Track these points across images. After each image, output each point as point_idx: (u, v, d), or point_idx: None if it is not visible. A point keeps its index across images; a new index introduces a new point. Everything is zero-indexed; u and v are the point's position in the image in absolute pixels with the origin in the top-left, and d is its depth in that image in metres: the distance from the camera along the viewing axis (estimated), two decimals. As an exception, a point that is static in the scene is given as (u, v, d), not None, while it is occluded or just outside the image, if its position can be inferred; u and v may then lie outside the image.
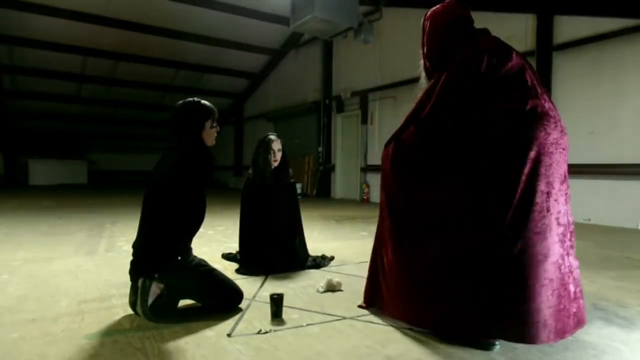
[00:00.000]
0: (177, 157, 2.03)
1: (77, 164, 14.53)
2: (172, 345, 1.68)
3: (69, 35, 9.65)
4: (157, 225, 2.00)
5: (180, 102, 2.13)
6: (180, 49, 10.72)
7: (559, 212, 1.67)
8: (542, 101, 1.78)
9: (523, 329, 1.58)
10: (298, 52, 11.51)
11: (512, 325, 1.59)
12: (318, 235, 4.50)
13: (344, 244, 4.04)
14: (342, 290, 2.43)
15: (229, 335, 1.77)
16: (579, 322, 1.72)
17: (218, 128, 2.16)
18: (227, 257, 3.29)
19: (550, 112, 1.78)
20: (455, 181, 1.73)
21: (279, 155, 3.04)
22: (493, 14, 6.84)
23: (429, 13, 2.09)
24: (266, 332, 1.79)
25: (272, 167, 3.02)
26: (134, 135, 15.59)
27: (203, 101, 2.13)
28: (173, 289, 1.98)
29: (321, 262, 3.09)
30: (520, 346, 1.67)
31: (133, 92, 12.90)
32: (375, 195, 9.16)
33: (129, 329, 1.84)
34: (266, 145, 3.01)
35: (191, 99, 2.14)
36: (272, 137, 3.06)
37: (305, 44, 11.10)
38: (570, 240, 1.74)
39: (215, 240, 4.10)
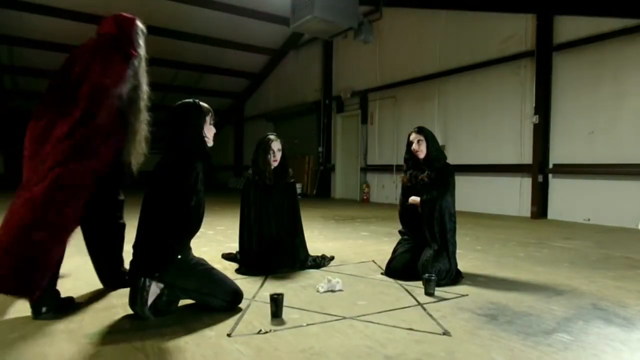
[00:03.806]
0: (176, 156, 2.04)
1: (77, 164, 14.50)
2: (172, 345, 1.68)
3: (69, 35, 9.63)
4: (157, 224, 2.01)
5: (179, 102, 2.16)
6: (180, 49, 10.71)
7: None
8: None
9: None
10: (298, 52, 11.51)
11: None
12: (318, 235, 4.51)
13: (344, 244, 4.04)
14: (342, 290, 2.43)
15: (229, 335, 1.77)
16: None
17: (214, 130, 2.19)
18: (227, 257, 3.29)
19: None
20: None
21: (278, 155, 3.04)
22: (493, 14, 6.85)
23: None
24: (266, 332, 1.79)
25: (272, 167, 3.02)
26: (134, 135, 15.59)
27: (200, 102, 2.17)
28: (173, 288, 1.99)
29: (321, 262, 3.09)
30: (520, 346, 1.68)
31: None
32: (376, 195, 9.17)
33: (129, 329, 1.84)
34: (266, 145, 3.02)
35: (188, 99, 2.17)
36: (272, 137, 3.06)
37: (305, 44, 11.10)
38: None
39: (215, 240, 4.10)
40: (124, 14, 2.34)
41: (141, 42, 2.29)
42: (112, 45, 2.18)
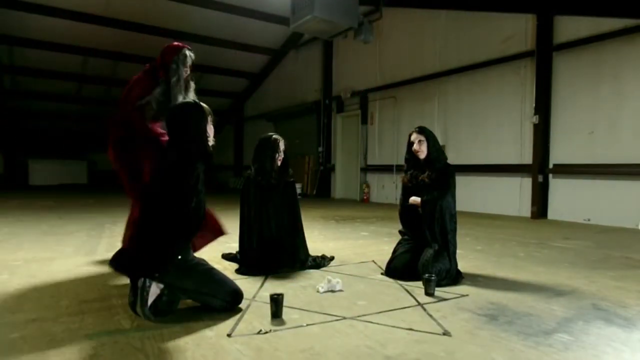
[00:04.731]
0: (177, 156, 2.04)
1: (77, 164, 14.51)
2: (172, 345, 1.68)
3: (69, 35, 9.65)
4: (157, 224, 2.00)
5: (179, 102, 2.17)
6: (180, 49, 10.71)
7: None
8: None
9: None
10: (298, 52, 11.51)
11: None
12: (318, 235, 4.50)
13: (344, 244, 4.04)
14: (342, 290, 2.43)
15: (229, 335, 1.77)
16: None
17: (213, 130, 2.21)
18: (227, 257, 3.29)
19: None
20: None
21: (282, 155, 3.07)
22: (493, 14, 6.85)
23: None
24: (266, 332, 1.79)
25: (277, 166, 3.05)
26: (134, 135, 15.59)
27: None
28: (173, 288, 1.98)
29: (321, 262, 3.09)
30: (520, 346, 1.67)
31: (133, 92, 12.89)
32: (376, 195, 9.17)
33: (129, 329, 1.84)
34: (274, 144, 3.04)
35: (189, 99, 2.18)
36: (278, 136, 3.09)
37: (305, 44, 11.10)
38: None
39: (216, 240, 4.08)
40: (173, 44, 2.87)
41: (177, 66, 2.79)
42: (151, 71, 2.84)
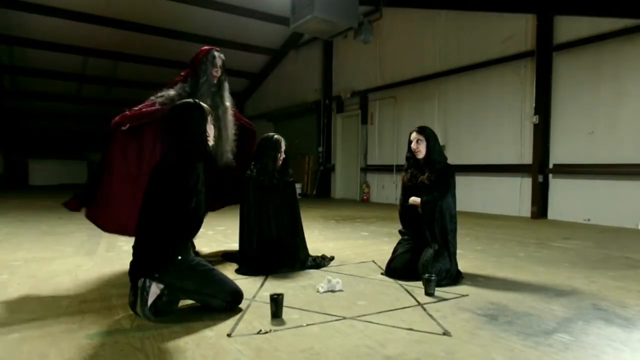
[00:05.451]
0: (177, 156, 2.04)
1: (77, 164, 14.52)
2: (172, 345, 1.68)
3: (69, 35, 9.65)
4: (157, 225, 2.00)
5: (179, 102, 2.17)
6: (181, 49, 10.69)
7: None
8: None
9: None
10: (298, 52, 11.51)
11: None
12: (318, 235, 4.50)
13: (344, 244, 4.04)
14: (342, 290, 2.43)
15: (229, 335, 1.77)
16: None
17: (214, 129, 2.21)
18: (228, 256, 3.29)
19: None
20: None
21: (283, 155, 3.08)
22: (493, 14, 6.85)
23: None
24: (266, 332, 1.79)
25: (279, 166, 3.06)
26: (134, 135, 15.62)
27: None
28: (173, 289, 1.98)
29: (321, 262, 3.09)
30: (520, 346, 1.67)
31: (133, 92, 12.90)
32: (376, 195, 9.17)
33: (129, 329, 1.84)
34: (276, 144, 3.05)
35: (189, 99, 2.18)
36: (279, 136, 3.11)
37: (305, 44, 11.10)
38: None
39: (216, 241, 4.10)
40: (204, 47, 3.08)
41: (206, 67, 2.98)
42: (187, 74, 3.05)
